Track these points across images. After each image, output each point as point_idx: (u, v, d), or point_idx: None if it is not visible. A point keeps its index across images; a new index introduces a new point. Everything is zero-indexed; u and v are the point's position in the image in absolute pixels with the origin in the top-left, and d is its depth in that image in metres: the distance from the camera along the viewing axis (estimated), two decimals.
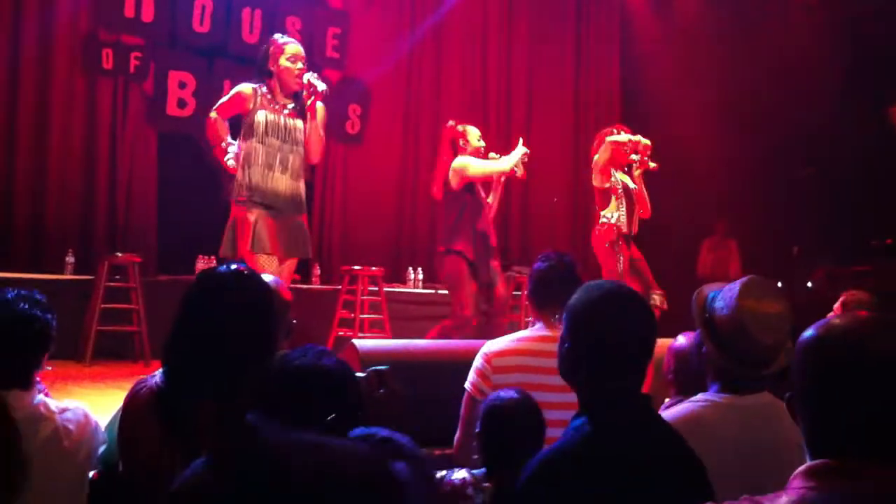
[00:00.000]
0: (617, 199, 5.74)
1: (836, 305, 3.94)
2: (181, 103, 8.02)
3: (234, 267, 2.05)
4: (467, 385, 2.87)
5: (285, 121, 4.73)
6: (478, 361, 2.86)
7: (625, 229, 5.66)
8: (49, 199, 7.40)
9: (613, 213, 5.68)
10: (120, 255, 6.76)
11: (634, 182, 5.85)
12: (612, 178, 5.73)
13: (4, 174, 7.28)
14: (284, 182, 4.69)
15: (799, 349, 1.42)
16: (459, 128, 5.68)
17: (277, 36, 4.92)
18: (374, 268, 7.75)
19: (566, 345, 1.93)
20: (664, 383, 2.81)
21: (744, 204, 9.57)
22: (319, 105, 4.77)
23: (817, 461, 1.36)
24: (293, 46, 4.82)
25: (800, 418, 1.42)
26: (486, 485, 2.19)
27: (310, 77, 4.71)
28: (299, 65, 4.77)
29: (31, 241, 7.29)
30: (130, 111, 7.83)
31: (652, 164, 5.88)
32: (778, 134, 9.31)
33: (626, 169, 5.91)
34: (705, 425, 2.03)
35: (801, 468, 1.38)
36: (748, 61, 9.51)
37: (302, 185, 4.83)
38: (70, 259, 7.08)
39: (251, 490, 1.17)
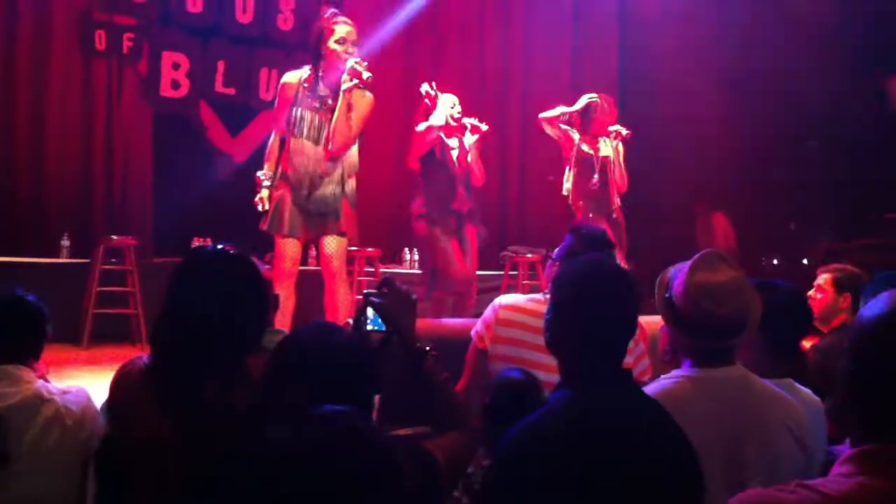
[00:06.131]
0: (569, 169, 6.03)
1: (822, 282, 3.82)
2: (175, 84, 7.98)
3: (219, 247, 2.05)
4: (473, 333, 2.91)
5: (319, 119, 4.57)
6: (487, 311, 2.90)
7: (568, 196, 5.98)
8: (45, 182, 7.39)
9: (565, 183, 6.04)
10: (116, 238, 6.73)
11: (614, 153, 5.98)
12: (573, 149, 5.99)
13: (1, 158, 7.25)
14: (313, 191, 4.58)
15: (862, 329, 1.38)
16: (432, 93, 5.63)
17: (329, 13, 4.65)
18: (370, 248, 7.74)
19: (548, 316, 1.94)
20: (661, 363, 2.81)
21: (741, 180, 9.53)
22: (368, 95, 4.62)
23: (870, 446, 1.34)
24: (343, 28, 4.56)
25: (849, 398, 1.39)
26: (487, 462, 2.18)
27: (353, 63, 4.47)
28: (348, 48, 4.54)
29: (27, 225, 7.29)
30: (125, 93, 7.81)
31: (624, 132, 6.02)
32: (778, 109, 9.27)
33: (606, 139, 6.11)
34: (679, 400, 2.03)
35: (850, 452, 1.36)
36: (749, 37, 9.44)
37: (338, 189, 4.64)
38: (66, 242, 7.07)
39: None
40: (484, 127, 5.77)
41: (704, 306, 2.09)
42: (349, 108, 4.55)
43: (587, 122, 6.04)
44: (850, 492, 1.32)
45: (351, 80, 4.49)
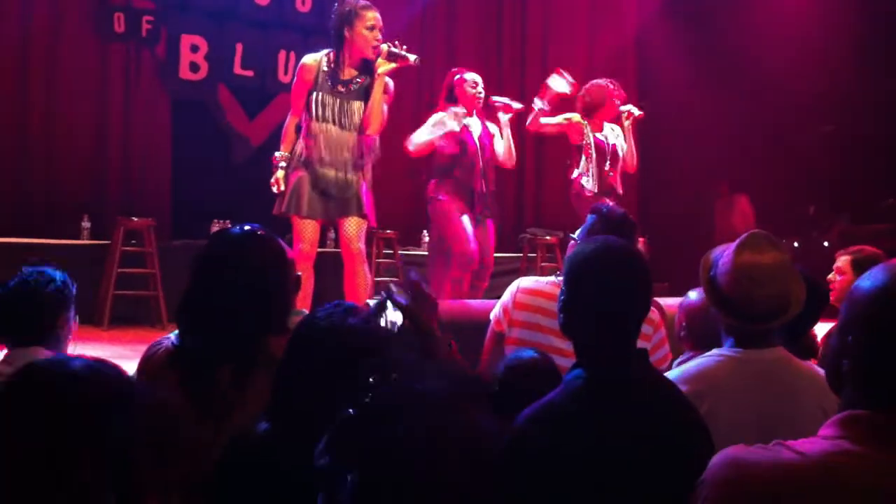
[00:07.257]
0: (587, 158, 5.76)
1: (841, 264, 3.83)
2: (194, 67, 8.00)
3: (246, 228, 2.06)
4: (491, 316, 2.90)
5: (342, 104, 4.57)
6: (506, 294, 2.89)
7: (589, 189, 5.69)
8: (63, 164, 7.43)
9: (578, 173, 5.78)
10: (135, 219, 6.78)
11: (625, 134, 5.85)
12: (585, 136, 5.76)
13: (18, 140, 7.30)
14: (334, 175, 4.59)
15: (864, 295, 1.37)
16: (457, 76, 5.55)
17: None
18: (388, 230, 7.75)
19: (561, 297, 1.95)
20: (677, 340, 2.80)
21: (762, 163, 9.48)
22: (389, 83, 4.62)
23: (857, 411, 1.34)
24: (372, 14, 4.57)
25: (841, 363, 1.38)
26: None
27: (389, 47, 4.52)
28: (377, 34, 4.55)
29: (46, 207, 7.33)
30: (143, 75, 7.83)
31: (637, 112, 5.87)
32: (795, 94, 9.20)
33: (616, 121, 5.94)
34: (718, 378, 2.04)
35: (837, 416, 1.36)
36: (762, 25, 9.37)
37: (357, 172, 4.64)
38: (86, 224, 7.11)
39: None
40: (517, 105, 5.67)
41: (746, 287, 2.10)
42: (385, 90, 4.58)
43: (590, 109, 5.85)
44: (830, 453, 1.32)
45: (389, 62, 4.51)
